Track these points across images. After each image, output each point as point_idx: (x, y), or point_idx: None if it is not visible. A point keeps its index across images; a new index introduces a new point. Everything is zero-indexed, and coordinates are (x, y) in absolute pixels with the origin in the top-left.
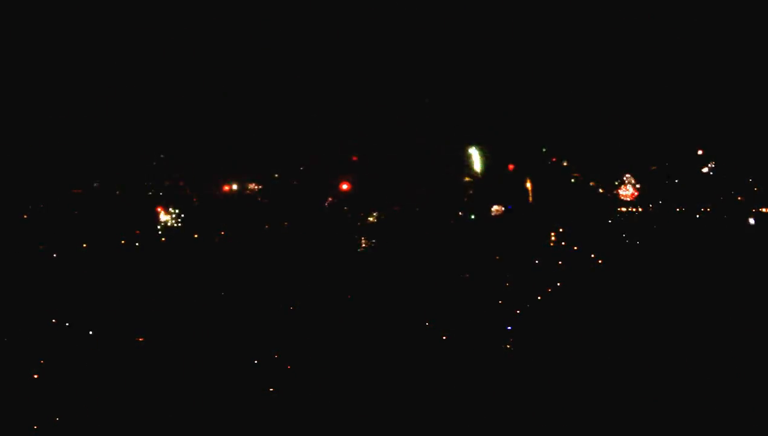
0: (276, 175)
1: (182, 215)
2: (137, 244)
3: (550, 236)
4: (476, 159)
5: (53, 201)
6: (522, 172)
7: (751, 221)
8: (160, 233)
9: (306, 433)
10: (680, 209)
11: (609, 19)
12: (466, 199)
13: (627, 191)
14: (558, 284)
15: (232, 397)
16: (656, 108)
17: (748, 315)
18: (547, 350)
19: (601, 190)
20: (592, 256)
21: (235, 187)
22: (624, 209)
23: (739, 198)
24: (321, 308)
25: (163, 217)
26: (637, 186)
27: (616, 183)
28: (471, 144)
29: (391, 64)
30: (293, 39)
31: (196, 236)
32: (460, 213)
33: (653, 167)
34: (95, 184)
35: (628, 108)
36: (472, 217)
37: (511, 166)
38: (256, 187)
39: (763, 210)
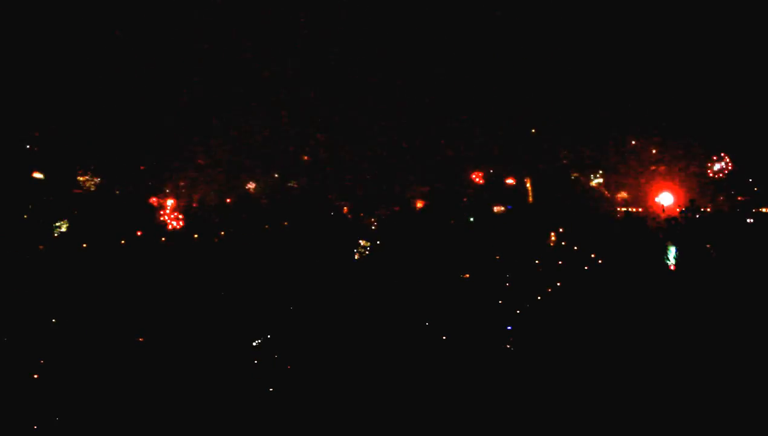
0: (276, 176)
1: (182, 215)
2: (137, 244)
3: (550, 236)
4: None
5: (53, 201)
6: (522, 173)
7: (751, 220)
8: (160, 233)
9: (306, 433)
10: (680, 209)
11: (610, 19)
12: (465, 199)
13: (627, 191)
14: (558, 284)
15: (232, 397)
16: (655, 109)
17: (749, 315)
18: (547, 350)
19: (601, 190)
20: (592, 256)
21: (235, 187)
22: (624, 209)
23: (739, 198)
24: (321, 308)
25: (163, 217)
26: (638, 186)
27: (616, 183)
28: (472, 144)
29: (391, 64)
30: (293, 39)
31: (196, 236)
32: (460, 213)
33: (653, 168)
34: (95, 185)
35: (627, 109)
36: (472, 219)
37: (511, 167)
38: (256, 187)
39: (764, 210)
